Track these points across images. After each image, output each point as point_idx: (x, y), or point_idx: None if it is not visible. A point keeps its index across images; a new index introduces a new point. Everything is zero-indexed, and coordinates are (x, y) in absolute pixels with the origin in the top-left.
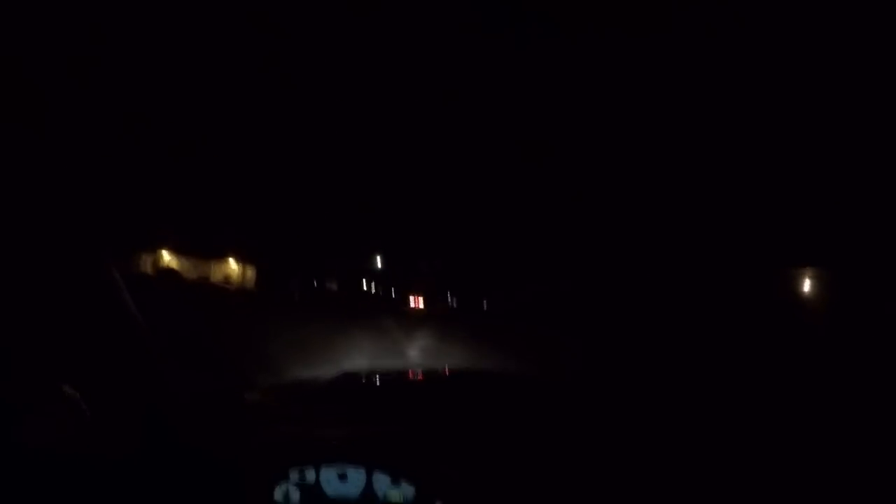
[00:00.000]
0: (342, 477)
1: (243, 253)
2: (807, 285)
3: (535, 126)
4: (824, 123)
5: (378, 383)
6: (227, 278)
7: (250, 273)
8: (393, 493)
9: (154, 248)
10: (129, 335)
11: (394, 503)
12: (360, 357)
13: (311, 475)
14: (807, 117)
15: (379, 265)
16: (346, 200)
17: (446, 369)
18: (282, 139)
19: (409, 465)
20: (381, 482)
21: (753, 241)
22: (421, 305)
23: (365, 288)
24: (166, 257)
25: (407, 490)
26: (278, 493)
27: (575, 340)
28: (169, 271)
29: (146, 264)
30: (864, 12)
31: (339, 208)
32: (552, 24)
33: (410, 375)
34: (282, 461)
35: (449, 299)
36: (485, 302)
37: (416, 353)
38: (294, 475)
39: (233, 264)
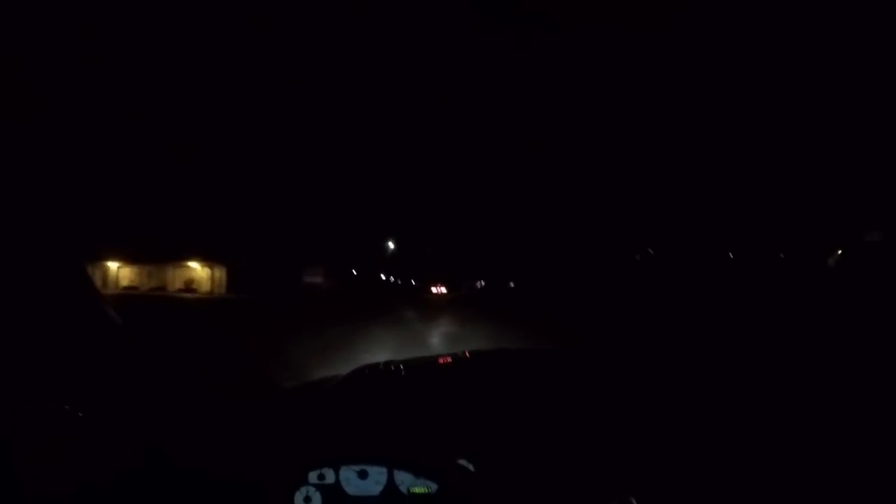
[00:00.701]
0: (362, 474)
1: (208, 252)
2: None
3: (536, 121)
4: (819, 122)
5: (396, 374)
6: (189, 284)
7: (219, 274)
8: (417, 486)
9: (99, 260)
10: (119, 347)
11: (419, 494)
12: (381, 352)
13: (330, 476)
14: (802, 115)
15: (387, 252)
16: (343, 189)
17: (466, 353)
18: (257, 131)
19: (431, 460)
20: (404, 476)
21: (748, 233)
22: (444, 290)
23: (384, 277)
24: (115, 270)
25: (430, 484)
26: (298, 498)
27: (588, 317)
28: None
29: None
30: (858, 13)
31: (329, 195)
32: (552, 24)
33: (429, 363)
34: (299, 465)
35: (473, 282)
36: (511, 283)
37: (438, 341)
38: (313, 477)
39: (196, 267)
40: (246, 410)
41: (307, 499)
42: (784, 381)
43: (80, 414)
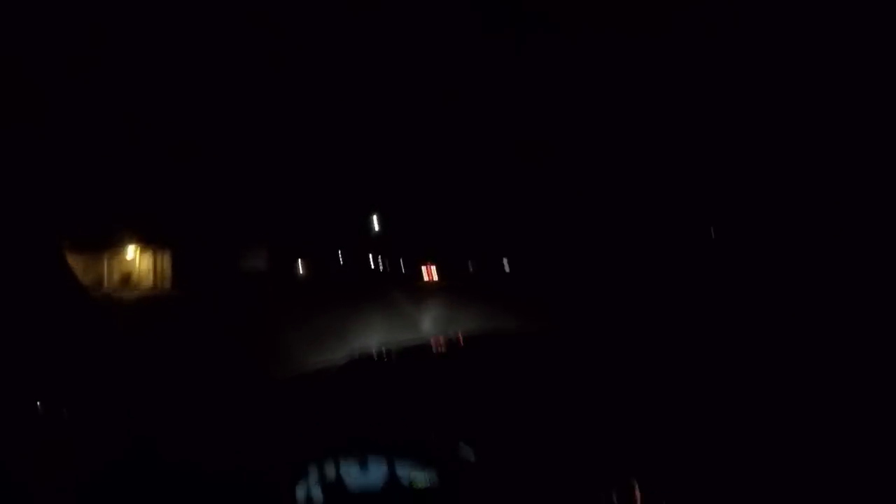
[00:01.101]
0: (363, 466)
1: (150, 236)
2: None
3: (535, 122)
4: (817, 122)
5: (390, 361)
6: (127, 279)
7: (165, 265)
8: (418, 477)
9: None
10: (110, 345)
11: (420, 487)
12: (372, 335)
13: (330, 469)
14: (799, 116)
15: (372, 231)
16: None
17: (459, 337)
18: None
19: (431, 449)
20: (405, 467)
21: (748, 233)
22: (435, 277)
23: (373, 264)
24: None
25: (431, 474)
26: (300, 493)
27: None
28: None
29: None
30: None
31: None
32: (552, 24)
33: (422, 348)
34: (299, 458)
35: (465, 263)
36: (505, 262)
37: (428, 324)
38: (313, 471)
39: (136, 256)
40: (243, 405)
41: (308, 494)
42: (777, 368)
43: (67, 412)
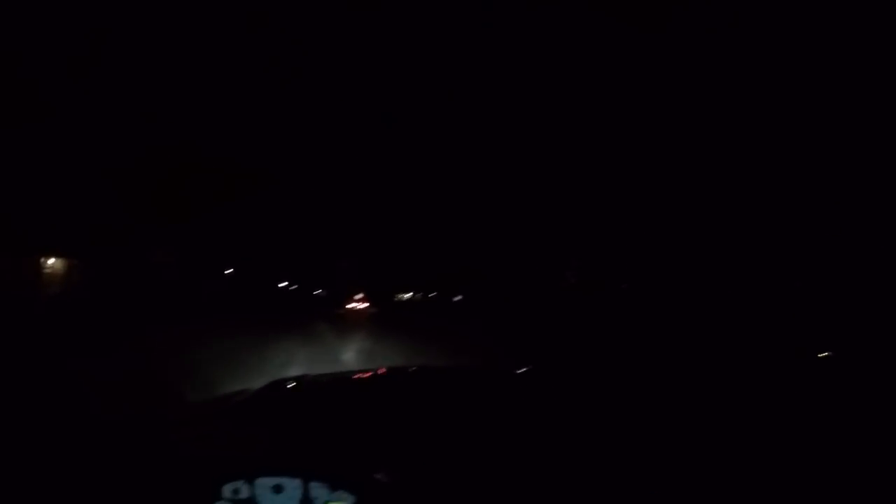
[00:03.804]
0: (277, 489)
1: (67, 246)
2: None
3: (535, 123)
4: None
5: (311, 388)
6: (43, 282)
7: (81, 273)
8: (332, 500)
9: None
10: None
11: None
12: (295, 366)
13: (245, 490)
14: (798, 116)
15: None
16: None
17: (383, 369)
18: None
19: (348, 473)
20: (320, 491)
21: (750, 239)
22: (362, 305)
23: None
24: None
25: (346, 497)
26: None
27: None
28: None
29: None
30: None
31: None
32: (552, 23)
33: (345, 378)
34: (213, 479)
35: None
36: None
37: (351, 357)
38: (227, 492)
39: (53, 262)
40: (155, 424)
41: None
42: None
43: None
